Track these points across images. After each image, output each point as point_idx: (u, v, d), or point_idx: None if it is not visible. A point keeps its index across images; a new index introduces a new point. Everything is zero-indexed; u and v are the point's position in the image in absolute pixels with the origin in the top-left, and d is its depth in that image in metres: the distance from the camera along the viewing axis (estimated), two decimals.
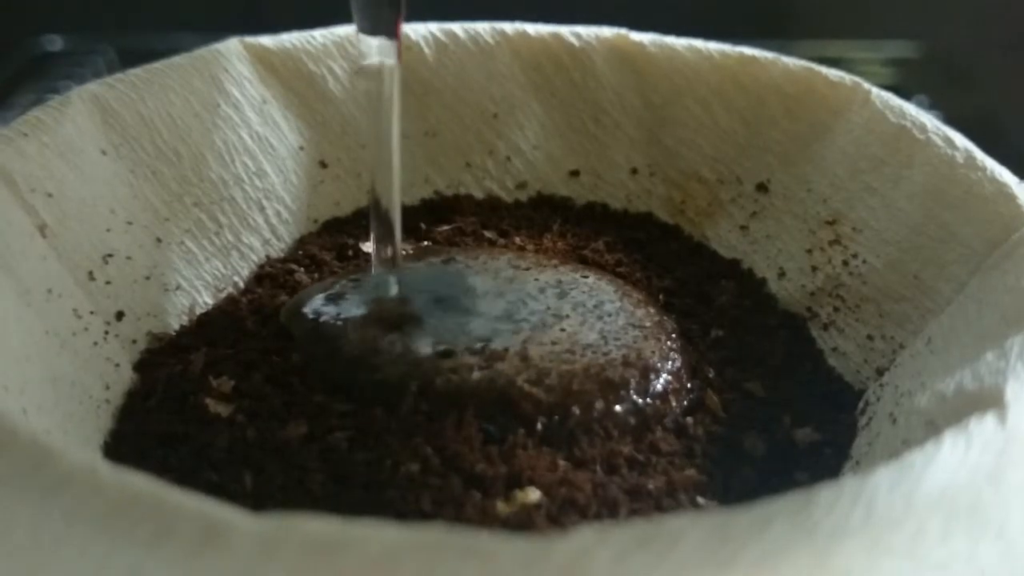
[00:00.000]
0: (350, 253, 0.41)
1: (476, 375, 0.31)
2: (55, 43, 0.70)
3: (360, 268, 0.39)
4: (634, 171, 0.44)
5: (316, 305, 0.36)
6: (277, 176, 0.41)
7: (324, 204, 0.43)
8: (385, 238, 0.36)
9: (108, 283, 0.34)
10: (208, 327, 0.36)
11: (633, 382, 0.32)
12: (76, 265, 0.34)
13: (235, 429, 0.30)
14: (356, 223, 0.43)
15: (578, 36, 0.44)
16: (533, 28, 0.45)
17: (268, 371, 0.33)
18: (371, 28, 0.33)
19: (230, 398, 0.32)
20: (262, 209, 0.41)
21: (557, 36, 0.44)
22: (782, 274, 0.40)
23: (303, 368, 0.33)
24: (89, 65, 0.66)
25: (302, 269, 0.39)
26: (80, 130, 0.35)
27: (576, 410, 0.31)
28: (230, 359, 0.34)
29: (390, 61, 0.34)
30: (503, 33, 0.44)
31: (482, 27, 0.45)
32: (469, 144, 0.45)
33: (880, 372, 0.35)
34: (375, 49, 0.34)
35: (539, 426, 0.30)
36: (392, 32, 0.33)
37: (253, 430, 0.30)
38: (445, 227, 0.42)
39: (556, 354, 0.32)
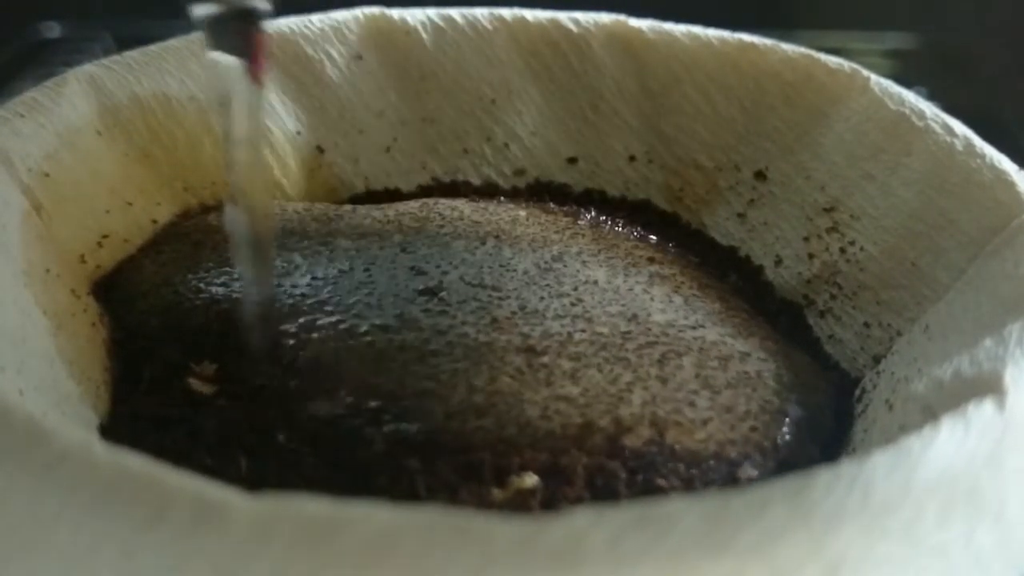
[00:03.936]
0: None
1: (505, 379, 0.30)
2: (53, 30, 0.69)
3: None
4: (632, 158, 0.44)
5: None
6: (273, 161, 0.41)
7: (321, 190, 0.43)
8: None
9: (98, 267, 0.34)
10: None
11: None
12: (71, 247, 0.33)
13: (225, 412, 0.30)
14: None
15: (576, 22, 0.44)
16: (531, 14, 0.44)
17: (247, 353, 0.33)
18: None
19: (215, 380, 0.32)
20: None
21: (555, 22, 0.44)
22: (779, 261, 0.39)
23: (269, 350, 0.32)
24: (87, 52, 0.65)
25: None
26: (76, 111, 0.35)
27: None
28: (210, 343, 0.33)
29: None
30: (501, 19, 0.44)
31: (480, 13, 0.44)
32: (467, 131, 0.45)
33: (877, 359, 0.35)
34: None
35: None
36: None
37: (241, 413, 0.30)
38: None
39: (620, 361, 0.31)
